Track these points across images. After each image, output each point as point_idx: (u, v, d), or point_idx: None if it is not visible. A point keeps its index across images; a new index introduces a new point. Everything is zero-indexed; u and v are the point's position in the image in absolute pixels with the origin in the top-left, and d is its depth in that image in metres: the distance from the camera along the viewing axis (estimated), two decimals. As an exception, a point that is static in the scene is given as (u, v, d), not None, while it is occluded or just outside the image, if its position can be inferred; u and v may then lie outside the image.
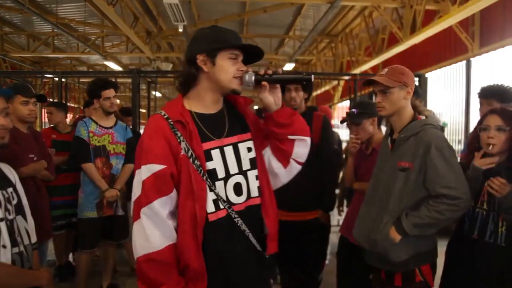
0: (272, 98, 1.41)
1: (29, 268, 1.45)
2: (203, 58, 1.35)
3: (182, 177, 1.29)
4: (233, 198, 1.37)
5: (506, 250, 1.75)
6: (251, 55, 1.43)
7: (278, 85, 1.42)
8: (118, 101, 3.21)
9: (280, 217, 2.81)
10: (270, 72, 1.40)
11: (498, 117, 1.78)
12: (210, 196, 1.31)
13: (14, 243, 1.38)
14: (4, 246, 1.33)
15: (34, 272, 1.47)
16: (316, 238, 2.78)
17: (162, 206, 1.27)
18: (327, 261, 4.13)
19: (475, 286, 1.81)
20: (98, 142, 3.07)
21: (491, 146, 1.77)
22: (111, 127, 3.17)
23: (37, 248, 1.64)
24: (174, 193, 1.30)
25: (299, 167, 1.55)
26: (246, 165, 1.42)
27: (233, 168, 1.38)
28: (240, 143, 1.43)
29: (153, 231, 1.25)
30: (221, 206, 1.33)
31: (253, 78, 1.38)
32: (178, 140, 1.30)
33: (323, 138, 2.71)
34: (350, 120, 2.53)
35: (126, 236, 3.30)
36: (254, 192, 1.43)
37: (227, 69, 1.35)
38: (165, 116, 1.33)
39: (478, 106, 2.68)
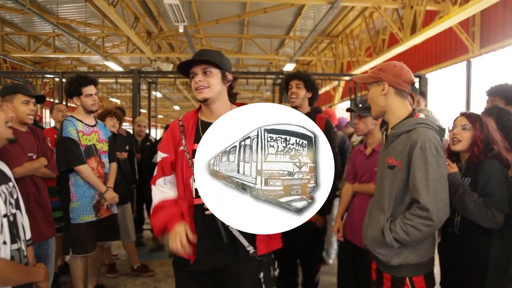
0: None
1: (25, 265, 1.46)
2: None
3: (178, 165, 1.73)
4: None
5: (460, 237, 1.95)
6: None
7: None
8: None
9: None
10: None
11: (465, 118, 2.02)
12: (194, 184, 1.66)
13: (14, 240, 1.40)
14: (4, 243, 1.34)
15: (31, 268, 1.51)
16: (311, 242, 2.78)
17: (164, 182, 1.77)
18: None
19: (452, 273, 2.02)
20: (89, 141, 2.91)
21: (455, 141, 2.00)
22: (95, 125, 3.02)
23: (32, 244, 1.65)
24: (173, 176, 1.76)
25: None
26: None
27: None
28: None
29: (155, 194, 1.78)
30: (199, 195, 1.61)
31: None
32: (182, 138, 1.72)
33: None
34: (357, 110, 2.49)
35: (117, 237, 3.23)
36: None
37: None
38: (179, 120, 1.79)
39: (480, 106, 2.75)
